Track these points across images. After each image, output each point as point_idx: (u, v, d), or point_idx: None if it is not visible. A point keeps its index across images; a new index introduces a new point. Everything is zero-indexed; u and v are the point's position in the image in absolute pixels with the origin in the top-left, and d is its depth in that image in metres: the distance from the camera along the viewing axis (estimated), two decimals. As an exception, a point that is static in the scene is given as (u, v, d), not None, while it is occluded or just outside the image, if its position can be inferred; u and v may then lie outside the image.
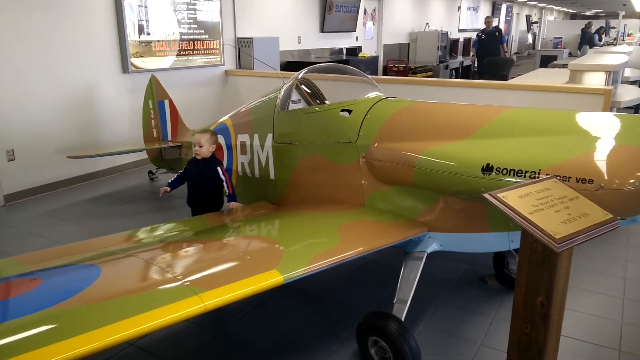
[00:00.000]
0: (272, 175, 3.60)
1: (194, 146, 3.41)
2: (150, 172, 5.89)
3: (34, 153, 5.18)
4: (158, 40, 6.27)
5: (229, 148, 4.04)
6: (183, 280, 1.99)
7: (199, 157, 3.42)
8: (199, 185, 3.48)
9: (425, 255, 2.66)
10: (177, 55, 6.56)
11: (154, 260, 2.27)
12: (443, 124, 2.73)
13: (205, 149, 3.39)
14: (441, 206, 2.63)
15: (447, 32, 13.49)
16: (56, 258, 2.64)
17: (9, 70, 4.85)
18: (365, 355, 2.56)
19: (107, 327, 1.73)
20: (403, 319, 2.47)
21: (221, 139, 4.16)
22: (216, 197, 3.55)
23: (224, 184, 3.40)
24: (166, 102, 5.34)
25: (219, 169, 3.41)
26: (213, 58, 7.13)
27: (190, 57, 6.75)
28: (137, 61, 6.04)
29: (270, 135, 3.56)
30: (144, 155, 6.01)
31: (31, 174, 5.20)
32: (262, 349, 2.76)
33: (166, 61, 6.43)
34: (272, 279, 2.08)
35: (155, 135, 5.45)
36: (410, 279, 2.60)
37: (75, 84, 5.48)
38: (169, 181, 3.56)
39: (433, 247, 2.69)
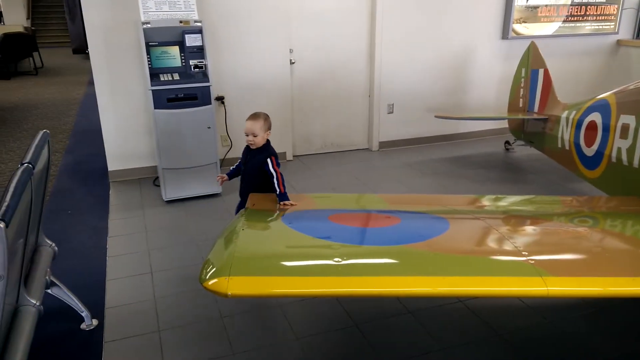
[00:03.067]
0: (657, 167, 2.96)
1: (247, 135, 2.82)
2: (507, 142, 5.78)
3: (409, 108, 5.80)
4: (546, 5, 5.89)
5: (606, 129, 3.52)
6: (527, 257, 1.89)
7: (253, 147, 2.85)
8: (246, 176, 2.95)
9: None
10: (564, 21, 6.03)
11: (499, 228, 2.23)
12: None
13: (260, 139, 2.81)
14: None
15: None
16: (412, 204, 2.93)
17: (403, 33, 5.49)
18: None
19: (444, 277, 1.82)
20: None
21: (597, 117, 3.67)
22: (263, 191, 2.88)
23: (274, 179, 2.73)
24: (541, 71, 5.03)
25: (269, 160, 2.78)
26: (606, 25, 6.24)
27: (578, 24, 6.11)
28: (518, 27, 5.86)
29: (666, 119, 2.90)
30: (503, 124, 5.93)
31: (403, 127, 5.87)
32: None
33: (550, 28, 6.01)
34: (638, 286, 1.75)
35: (520, 105, 5.26)
36: None
37: (454, 47, 5.77)
38: (229, 171, 3.04)
39: None
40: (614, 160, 3.42)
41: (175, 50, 4.08)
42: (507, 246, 2.04)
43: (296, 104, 5.42)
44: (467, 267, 1.88)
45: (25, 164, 2.06)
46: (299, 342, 2.53)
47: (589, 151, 3.77)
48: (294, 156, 5.54)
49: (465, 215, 2.52)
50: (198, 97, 4.11)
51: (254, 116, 2.83)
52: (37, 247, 2.65)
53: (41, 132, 2.50)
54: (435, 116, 5.48)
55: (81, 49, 12.19)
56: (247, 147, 2.90)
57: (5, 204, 1.65)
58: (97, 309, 2.80)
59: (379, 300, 2.84)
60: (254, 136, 2.78)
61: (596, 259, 2.07)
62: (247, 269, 1.80)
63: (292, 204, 2.64)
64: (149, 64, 3.96)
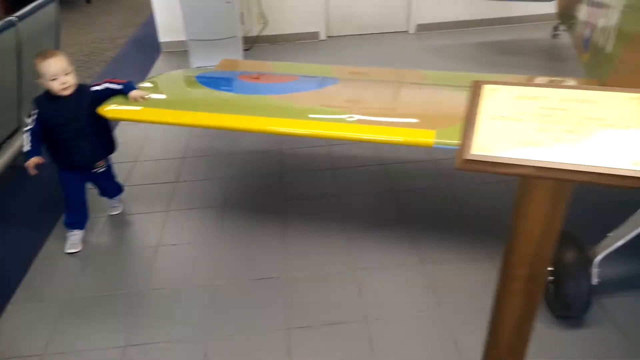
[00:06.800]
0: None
1: (53, 79, 2.18)
2: (555, 27, 5.34)
3: (450, -11, 5.56)
4: None
5: (599, 4, 3.26)
6: (350, 114, 2.15)
7: (67, 92, 2.24)
8: (83, 133, 2.31)
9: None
10: None
11: (363, 92, 2.48)
12: None
13: (72, 76, 2.25)
14: None
15: None
16: (353, 73, 3.17)
17: None
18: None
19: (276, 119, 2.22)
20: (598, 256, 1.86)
21: (596, -7, 3.39)
22: (108, 138, 2.52)
23: (112, 85, 2.35)
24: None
25: (94, 87, 2.36)
26: None
27: None
28: None
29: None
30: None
31: (446, 9, 5.67)
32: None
33: None
34: (423, 137, 1.99)
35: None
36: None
37: None
38: (28, 148, 2.25)
39: None
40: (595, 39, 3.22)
41: None
42: (340, 105, 2.30)
43: (332, -18, 5.52)
44: (299, 114, 2.23)
45: (13, 18, 2.76)
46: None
47: (587, 32, 3.54)
48: (327, 36, 5.77)
49: (360, 77, 2.76)
50: (217, -28, 4.53)
51: (50, 53, 2.22)
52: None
53: (46, -5, 3.18)
54: (470, -4, 5.23)
55: None
56: (55, 99, 2.24)
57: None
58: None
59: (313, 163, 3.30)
60: (67, 74, 2.22)
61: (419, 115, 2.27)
62: (126, 103, 2.33)
63: (144, 96, 2.34)
64: (170, -58, 4.42)
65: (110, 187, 2.69)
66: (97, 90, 2.34)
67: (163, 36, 5.52)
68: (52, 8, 3.22)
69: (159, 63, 5.27)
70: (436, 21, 5.74)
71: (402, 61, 5.06)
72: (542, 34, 5.48)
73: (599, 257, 1.87)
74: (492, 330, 1.13)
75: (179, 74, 2.81)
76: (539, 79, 3.51)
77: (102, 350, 2.00)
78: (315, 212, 2.75)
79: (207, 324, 2.09)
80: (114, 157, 2.65)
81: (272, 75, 2.87)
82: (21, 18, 2.83)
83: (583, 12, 3.87)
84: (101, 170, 2.53)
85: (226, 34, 4.82)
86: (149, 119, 2.28)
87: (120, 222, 2.76)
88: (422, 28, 5.78)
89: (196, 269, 2.40)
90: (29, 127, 2.27)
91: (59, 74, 2.18)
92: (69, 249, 2.51)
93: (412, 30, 5.79)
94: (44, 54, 2.20)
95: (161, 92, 2.57)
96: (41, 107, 2.26)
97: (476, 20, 5.74)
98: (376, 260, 2.36)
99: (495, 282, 1.08)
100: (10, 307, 2.21)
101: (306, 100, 2.39)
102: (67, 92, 2.23)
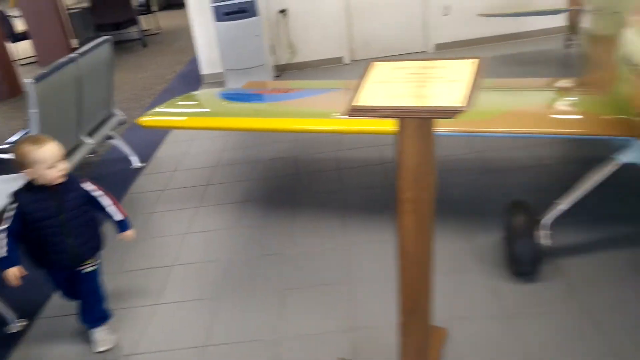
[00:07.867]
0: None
1: (51, 167, 1.94)
2: (568, 38, 5.55)
3: (464, 11, 5.93)
4: None
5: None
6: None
7: (60, 180, 1.98)
8: (72, 227, 2.03)
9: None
10: None
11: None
12: None
13: (65, 164, 2.02)
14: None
15: None
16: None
17: None
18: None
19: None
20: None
21: None
22: (97, 233, 2.19)
23: (107, 206, 2.12)
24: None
25: (87, 184, 2.10)
26: None
27: None
28: None
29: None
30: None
31: (458, 29, 6.06)
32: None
33: None
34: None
35: (576, -6, 5.04)
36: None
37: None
38: (4, 254, 1.95)
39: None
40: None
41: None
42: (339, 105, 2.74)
43: (354, 10, 6.03)
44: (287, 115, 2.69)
45: (74, 55, 3.41)
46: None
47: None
48: (351, 60, 6.27)
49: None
50: (247, 10, 5.16)
51: (44, 140, 1.98)
52: (110, 116, 4.15)
53: (102, 38, 3.84)
54: (478, 15, 5.57)
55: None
56: (38, 189, 1.98)
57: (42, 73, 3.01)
58: (147, 158, 4.23)
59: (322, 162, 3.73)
60: (62, 161, 1.99)
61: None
62: (160, 114, 2.90)
63: (131, 239, 2.16)
64: (206, -15, 5.10)
65: (94, 298, 2.21)
66: (90, 193, 2.09)
67: (204, 69, 6.22)
68: (106, 47, 3.89)
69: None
70: (452, 40, 6.12)
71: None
72: (555, 44, 5.71)
73: (546, 220, 2.17)
74: (399, 244, 1.49)
75: (206, 92, 3.35)
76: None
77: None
78: (321, 204, 3.18)
79: (218, 288, 2.56)
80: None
81: (281, 89, 3.37)
82: (82, 55, 3.48)
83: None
84: (88, 269, 2.15)
85: (256, 62, 5.42)
86: (177, 125, 2.83)
87: (151, 218, 3.29)
88: (440, 47, 6.17)
89: (216, 249, 2.87)
90: (4, 227, 1.95)
91: (46, 162, 1.92)
92: (100, 347, 2.19)
93: (430, 49, 6.19)
94: (37, 141, 1.96)
95: (186, 107, 3.13)
96: (22, 201, 1.97)
97: (491, 37, 6.07)
98: (365, 237, 2.75)
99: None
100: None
101: (301, 104, 2.87)
102: (62, 180, 1.98)
